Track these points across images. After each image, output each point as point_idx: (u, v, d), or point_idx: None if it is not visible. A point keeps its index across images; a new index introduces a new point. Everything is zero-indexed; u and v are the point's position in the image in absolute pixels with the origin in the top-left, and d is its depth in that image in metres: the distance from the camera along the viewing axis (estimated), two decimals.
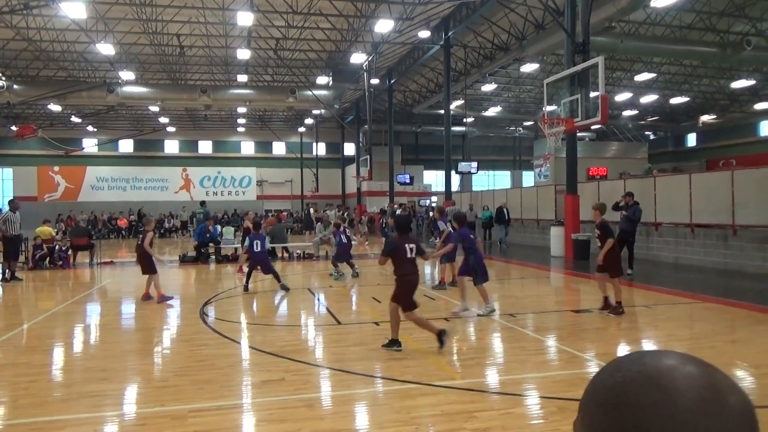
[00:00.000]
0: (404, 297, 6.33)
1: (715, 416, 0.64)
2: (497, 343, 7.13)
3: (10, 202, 14.44)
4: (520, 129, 45.45)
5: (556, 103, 16.14)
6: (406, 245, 6.36)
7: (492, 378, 5.62)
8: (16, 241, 13.96)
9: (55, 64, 28.69)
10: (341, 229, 13.90)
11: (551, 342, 6.98)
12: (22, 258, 15.65)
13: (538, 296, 11.37)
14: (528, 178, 46.57)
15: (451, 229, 11.32)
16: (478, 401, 4.79)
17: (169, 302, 10.10)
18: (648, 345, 7.05)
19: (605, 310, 8.41)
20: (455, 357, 6.52)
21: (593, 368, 5.78)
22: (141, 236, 10.55)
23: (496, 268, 15.90)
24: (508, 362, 6.25)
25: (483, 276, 8.56)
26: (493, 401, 4.84)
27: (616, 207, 13.22)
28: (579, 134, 20.55)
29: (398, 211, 20.80)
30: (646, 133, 46.07)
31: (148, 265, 10.24)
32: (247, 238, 13.23)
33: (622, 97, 34.95)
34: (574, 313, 8.97)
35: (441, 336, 6.26)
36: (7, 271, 13.61)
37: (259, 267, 11.46)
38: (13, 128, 34.01)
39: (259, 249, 11.23)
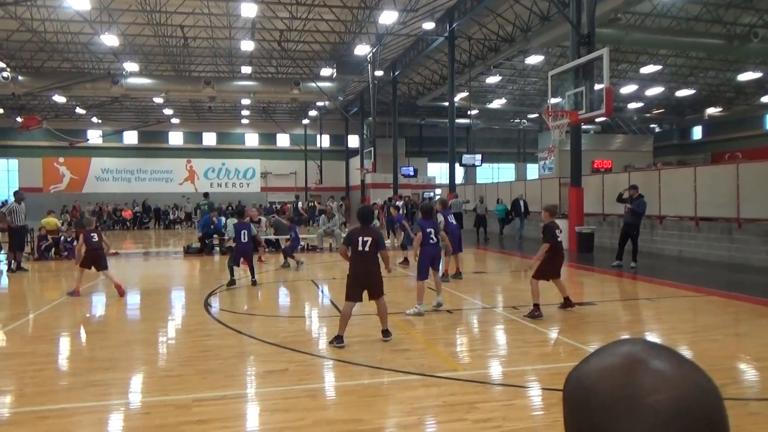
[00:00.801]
0: (346, 287, 6.37)
1: (627, 417, 0.62)
2: (500, 335, 7.15)
3: (16, 193, 14.52)
4: (525, 121, 45.30)
5: (561, 95, 16.07)
6: (360, 238, 6.29)
7: (494, 370, 5.65)
8: (21, 232, 14.05)
9: (60, 55, 28.71)
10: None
11: (553, 334, 7.00)
12: (27, 249, 15.75)
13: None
14: (532, 171, 46.43)
15: (451, 221, 11.25)
16: (480, 393, 4.82)
17: (72, 296, 9.69)
18: (650, 338, 7.06)
19: (566, 307, 8.14)
20: (457, 348, 6.56)
21: None
22: (91, 235, 10.00)
23: (498, 260, 15.92)
24: (510, 354, 6.28)
25: (423, 273, 8.15)
26: (495, 393, 4.87)
27: (620, 199, 13.20)
28: (584, 127, 20.44)
29: (399, 203, 20.59)
30: (652, 125, 45.90)
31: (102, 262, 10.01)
32: (232, 227, 12.41)
33: (627, 89, 34.78)
34: (576, 305, 8.96)
35: (334, 341, 6.23)
36: (12, 261, 13.69)
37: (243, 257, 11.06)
38: (18, 119, 34.08)
39: (246, 239, 10.91)
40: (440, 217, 11.10)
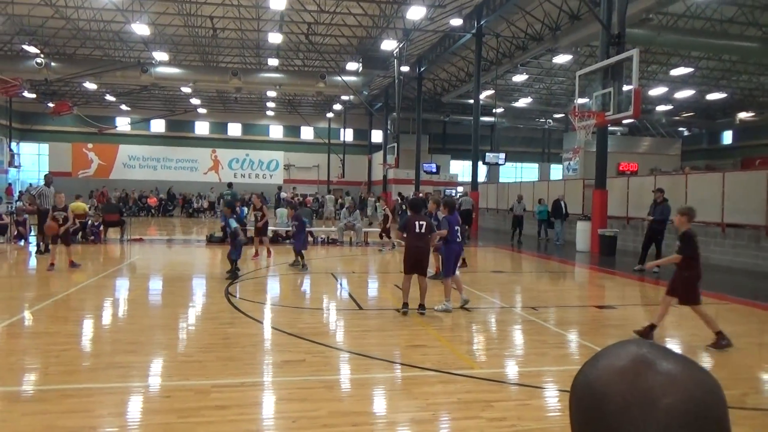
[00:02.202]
0: (404, 261, 7.72)
1: (643, 421, 0.62)
2: (517, 335, 7.13)
3: (45, 177, 14.87)
4: (550, 121, 44.84)
5: (588, 95, 15.87)
6: (416, 222, 7.63)
7: (510, 369, 5.64)
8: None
9: (92, 43, 29.22)
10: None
11: (572, 336, 6.96)
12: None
13: (560, 291, 11.29)
14: (556, 172, 45.97)
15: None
16: (496, 391, 4.82)
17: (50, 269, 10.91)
18: (670, 344, 6.97)
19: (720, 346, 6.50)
20: (474, 347, 6.55)
21: None
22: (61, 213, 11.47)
23: (519, 261, 15.82)
24: (528, 354, 6.26)
25: (451, 270, 8.16)
26: (511, 392, 4.87)
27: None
28: (610, 128, 20.18)
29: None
30: (680, 129, 45.03)
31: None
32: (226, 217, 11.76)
33: (656, 91, 34.17)
34: (597, 308, 8.90)
35: (401, 308, 7.57)
36: (41, 243, 14.02)
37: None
38: (50, 105, 34.87)
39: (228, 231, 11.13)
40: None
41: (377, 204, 18.30)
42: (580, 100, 16.34)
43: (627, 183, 18.15)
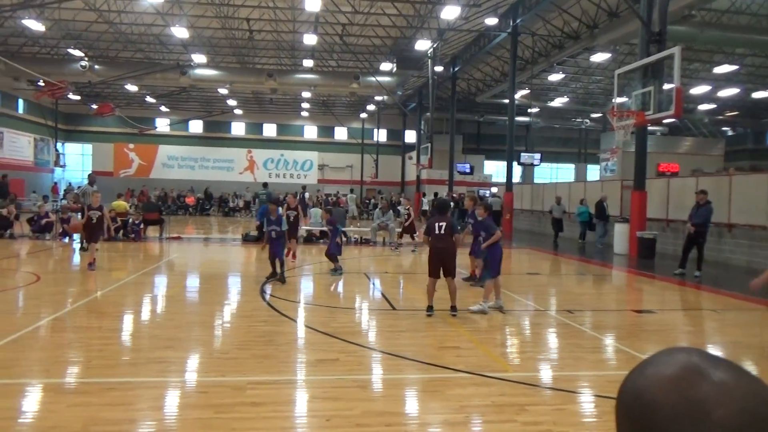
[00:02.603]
0: (428, 264, 7.67)
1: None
2: (552, 339, 7.02)
3: (89, 176, 15.35)
4: (587, 121, 44.02)
5: (627, 94, 15.53)
6: (436, 224, 7.53)
7: (545, 373, 5.56)
8: None
9: (133, 46, 30.03)
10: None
11: (609, 341, 6.82)
12: None
13: (597, 294, 11.09)
14: (593, 172, 45.09)
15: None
16: (530, 395, 4.76)
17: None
18: (712, 351, 6.75)
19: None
20: (508, 349, 6.49)
21: None
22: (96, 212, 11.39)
23: (554, 263, 15.58)
24: (563, 358, 6.15)
25: (496, 271, 8.11)
26: (546, 396, 4.80)
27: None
28: (650, 128, 19.67)
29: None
30: (724, 128, 43.62)
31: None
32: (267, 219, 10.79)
33: (698, 90, 33.18)
34: (635, 312, 8.70)
35: (427, 310, 7.52)
36: (84, 241, 14.47)
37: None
38: (94, 106, 35.97)
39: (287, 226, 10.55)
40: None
41: (401, 202, 18.09)
42: (619, 100, 15.99)
43: (667, 184, 17.67)
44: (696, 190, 12.90)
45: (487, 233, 8.34)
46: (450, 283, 7.54)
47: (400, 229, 17.73)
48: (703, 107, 37.90)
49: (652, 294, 10.84)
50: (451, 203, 18.81)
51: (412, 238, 17.08)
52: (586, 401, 4.82)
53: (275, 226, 10.21)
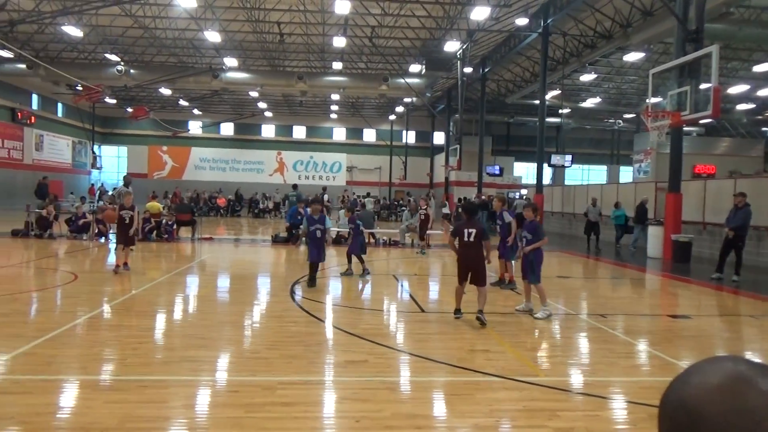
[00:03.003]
0: (457, 270, 7.39)
1: None
2: (584, 343, 6.90)
3: (125, 178, 15.73)
4: (620, 122, 43.23)
5: (662, 94, 15.19)
6: (465, 230, 7.23)
7: (577, 378, 5.47)
8: None
9: (167, 50, 30.68)
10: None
11: (643, 346, 6.67)
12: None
13: (630, 298, 10.86)
14: (625, 174, 44.27)
15: (511, 219, 10.28)
16: (562, 400, 4.69)
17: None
18: (753, 359, 6.55)
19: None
20: (539, 353, 6.40)
21: None
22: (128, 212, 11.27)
23: (585, 267, 15.33)
24: (595, 363, 6.04)
25: (539, 276, 7.99)
26: (578, 402, 4.72)
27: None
28: (685, 128, 19.18)
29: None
30: (763, 129, 42.30)
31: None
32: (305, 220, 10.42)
33: (736, 89, 32.26)
34: (670, 318, 8.49)
35: (455, 313, 7.36)
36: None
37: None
38: (129, 110, 36.86)
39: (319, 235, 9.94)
40: (508, 217, 10.33)
41: (420, 204, 17.61)
42: (654, 100, 15.64)
43: (704, 186, 17.23)
44: (734, 193, 12.54)
45: (534, 235, 8.01)
46: (480, 291, 7.19)
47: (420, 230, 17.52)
48: (742, 107, 36.83)
49: (688, 299, 10.57)
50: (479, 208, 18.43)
51: (422, 238, 16.87)
52: (619, 407, 4.73)
53: (319, 224, 9.87)
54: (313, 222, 9.90)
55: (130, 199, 11.69)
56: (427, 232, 17.25)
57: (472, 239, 7.14)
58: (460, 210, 22.74)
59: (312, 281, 9.78)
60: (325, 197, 28.03)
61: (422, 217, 16.63)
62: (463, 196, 29.94)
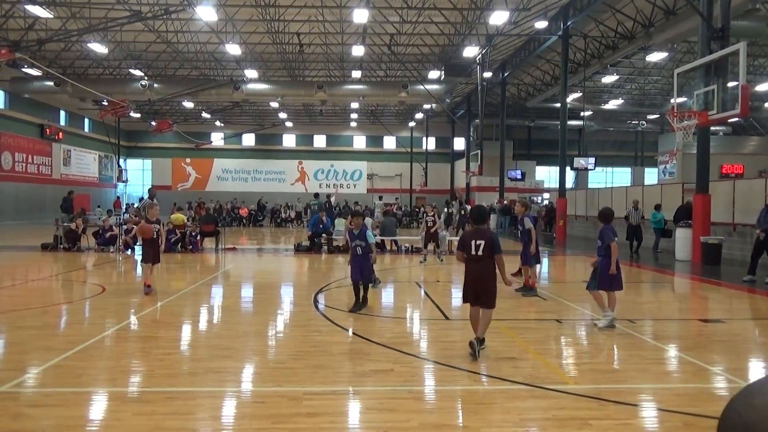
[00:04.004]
0: (463, 287, 6.22)
1: None
2: (613, 349, 6.76)
3: (149, 191, 15.97)
4: (644, 123, 42.60)
5: (687, 94, 14.91)
6: (473, 241, 6.03)
7: (608, 385, 5.34)
8: None
9: (189, 63, 31.19)
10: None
11: (674, 352, 6.50)
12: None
13: (659, 302, 10.63)
14: (650, 176, 43.57)
15: (531, 226, 10.11)
16: (593, 409, 4.58)
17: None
18: None
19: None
20: (568, 360, 6.28)
21: (723, 383, 5.31)
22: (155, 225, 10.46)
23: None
24: (625, 370, 5.91)
25: (601, 283, 7.64)
26: (609, 410, 4.61)
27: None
28: (712, 128, 18.79)
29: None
30: None
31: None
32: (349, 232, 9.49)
33: (765, 86, 31.56)
34: (701, 322, 8.28)
35: (471, 345, 5.92)
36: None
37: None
38: (153, 123, 37.54)
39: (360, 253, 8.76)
40: (528, 223, 10.17)
41: (426, 210, 17.23)
42: (679, 100, 15.39)
43: (733, 186, 16.84)
44: (766, 193, 12.22)
45: (602, 242, 7.57)
46: (484, 314, 6.04)
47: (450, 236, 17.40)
48: None
49: (719, 302, 10.31)
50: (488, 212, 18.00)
51: (426, 246, 16.55)
52: (652, 416, 4.60)
53: (359, 240, 8.62)
54: (353, 237, 8.72)
55: (155, 212, 11.51)
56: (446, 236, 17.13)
57: (480, 252, 5.97)
58: (463, 212, 22.32)
59: (355, 305, 8.60)
60: (332, 200, 27.70)
61: (429, 224, 16.30)
62: (463, 199, 29.68)
